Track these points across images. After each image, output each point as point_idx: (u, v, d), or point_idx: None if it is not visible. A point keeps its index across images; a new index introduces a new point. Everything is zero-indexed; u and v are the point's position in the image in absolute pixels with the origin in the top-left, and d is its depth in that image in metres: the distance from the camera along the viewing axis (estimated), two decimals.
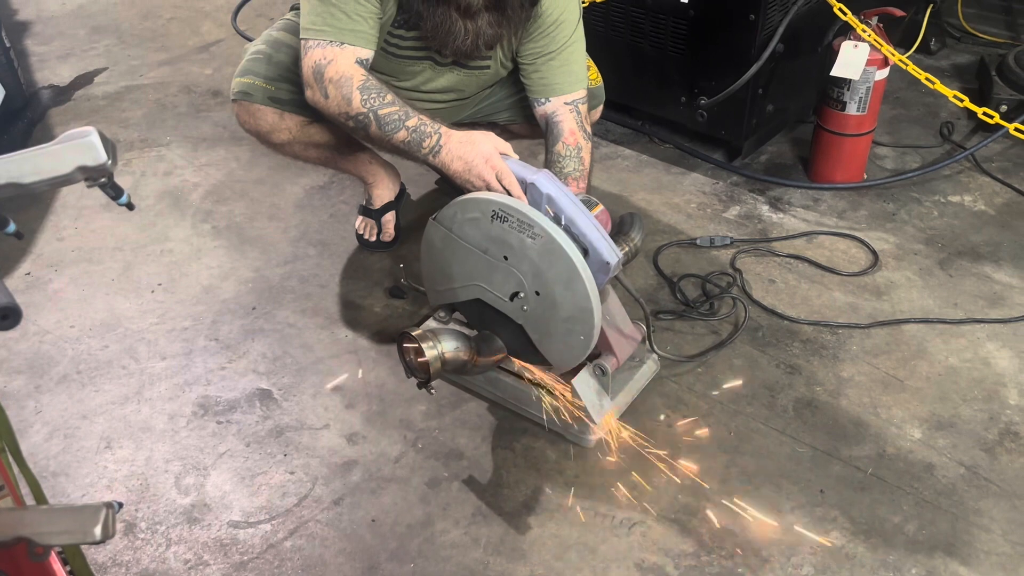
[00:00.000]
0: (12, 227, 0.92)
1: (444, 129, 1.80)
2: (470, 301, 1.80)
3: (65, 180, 0.88)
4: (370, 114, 1.80)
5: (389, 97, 1.81)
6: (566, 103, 1.96)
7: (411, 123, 1.80)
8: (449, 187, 1.86)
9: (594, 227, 1.65)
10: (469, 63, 1.99)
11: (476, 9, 1.76)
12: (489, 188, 1.73)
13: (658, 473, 1.77)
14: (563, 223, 1.64)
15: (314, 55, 1.82)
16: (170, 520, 1.72)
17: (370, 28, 1.83)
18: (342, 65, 1.80)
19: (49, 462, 1.85)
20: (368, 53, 1.85)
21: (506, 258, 1.69)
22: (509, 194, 1.70)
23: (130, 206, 0.97)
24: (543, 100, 1.98)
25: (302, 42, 1.85)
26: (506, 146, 1.78)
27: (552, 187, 1.67)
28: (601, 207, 1.76)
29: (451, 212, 1.75)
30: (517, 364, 1.83)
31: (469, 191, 1.76)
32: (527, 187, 1.70)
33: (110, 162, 0.88)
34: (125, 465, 1.84)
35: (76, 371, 2.08)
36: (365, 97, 1.80)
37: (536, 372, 1.82)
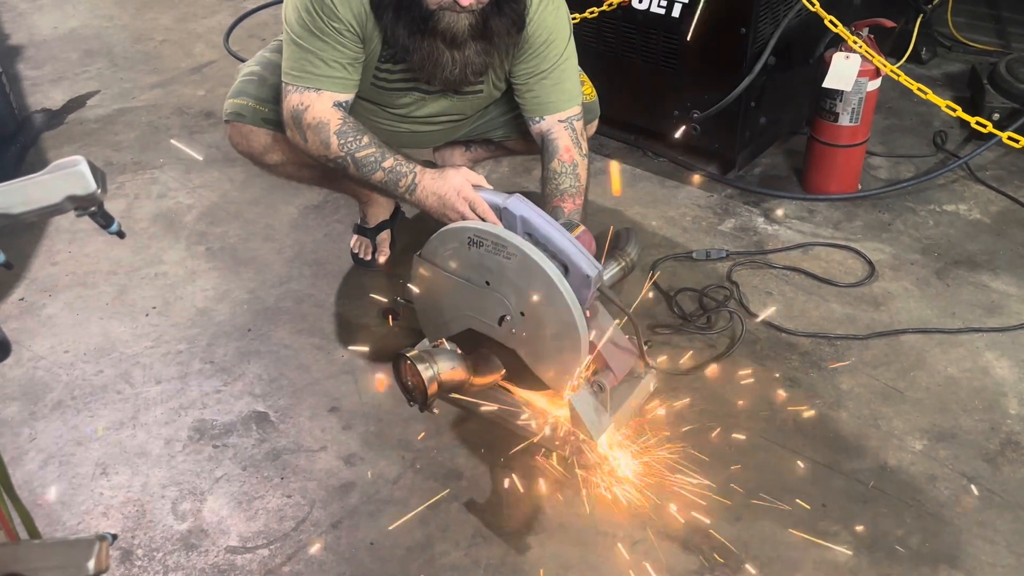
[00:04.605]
0: (2, 257, 0.91)
1: (419, 168, 1.85)
2: (464, 332, 1.80)
3: (55, 210, 0.87)
4: (347, 157, 1.85)
5: (366, 139, 1.85)
6: (560, 121, 1.96)
7: (387, 164, 1.84)
8: None
9: (570, 242, 1.66)
10: (461, 88, 1.99)
11: (462, 39, 1.77)
12: (464, 219, 1.76)
13: (659, 490, 1.75)
14: (540, 242, 1.65)
15: (292, 100, 1.87)
16: (167, 547, 1.70)
17: (348, 73, 1.87)
18: (319, 110, 1.85)
19: (44, 490, 1.83)
20: (346, 96, 1.89)
21: (488, 283, 1.70)
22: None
23: (121, 234, 0.96)
24: (537, 119, 1.98)
25: (283, 85, 1.89)
26: (478, 178, 1.82)
27: (525, 209, 1.69)
28: (583, 228, 1.78)
29: (432, 246, 1.78)
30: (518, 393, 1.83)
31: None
32: (501, 212, 1.73)
33: (99, 191, 0.87)
34: (121, 491, 1.82)
35: (71, 397, 2.06)
36: (342, 141, 1.85)
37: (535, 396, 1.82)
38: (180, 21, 4.27)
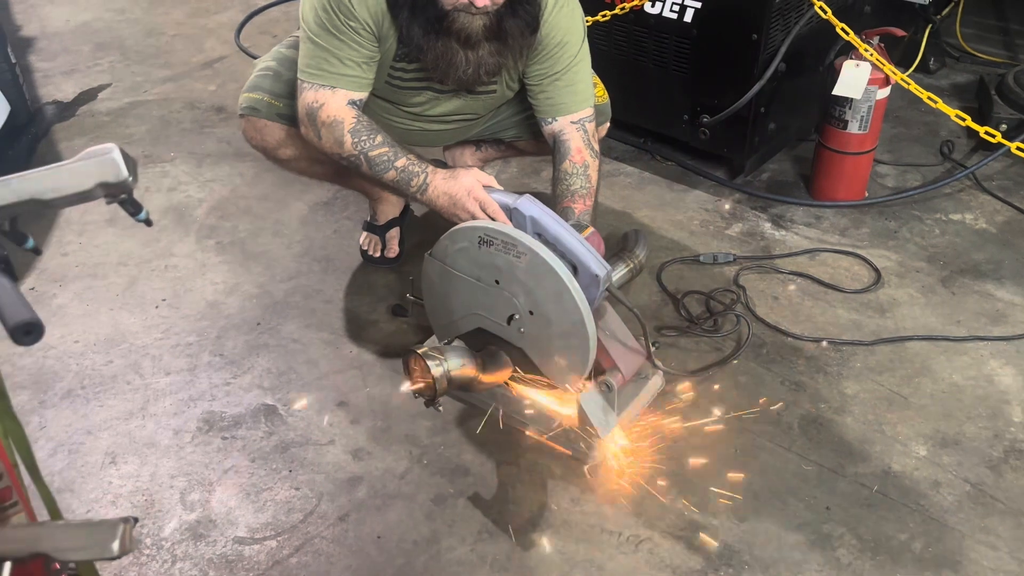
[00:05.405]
0: (31, 243, 0.93)
1: (430, 168, 1.87)
2: (473, 331, 1.81)
3: (85, 196, 0.89)
4: (361, 156, 1.87)
5: (379, 138, 1.87)
6: (573, 122, 1.98)
7: (400, 163, 1.86)
8: None
9: (579, 242, 1.67)
10: (475, 88, 2.01)
11: (477, 39, 1.79)
12: (475, 219, 1.77)
13: (665, 490, 1.77)
14: (549, 242, 1.67)
15: (307, 97, 1.88)
16: (175, 536, 1.71)
17: (363, 72, 1.88)
18: (333, 108, 1.86)
19: (53, 478, 1.84)
20: (361, 95, 1.91)
21: (497, 282, 1.71)
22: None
23: (148, 222, 0.98)
24: (550, 120, 2.00)
25: (298, 81, 1.91)
26: (489, 178, 1.83)
27: (535, 209, 1.71)
28: (592, 230, 1.80)
29: (443, 245, 1.79)
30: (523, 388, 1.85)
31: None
32: (511, 213, 1.74)
33: (131, 179, 0.89)
34: (130, 481, 1.84)
35: (80, 386, 2.08)
36: (355, 140, 1.86)
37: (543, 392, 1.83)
38: (192, 16, 4.29)
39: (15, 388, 2.07)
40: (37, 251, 0.93)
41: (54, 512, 0.98)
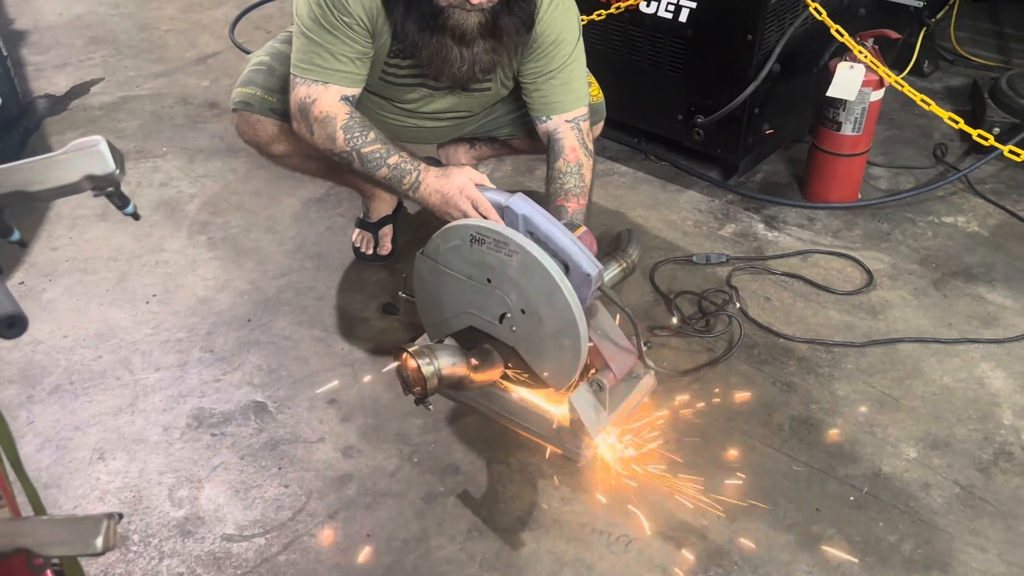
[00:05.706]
0: (16, 235, 0.92)
1: (423, 166, 1.86)
2: (464, 329, 1.81)
3: (72, 189, 0.88)
4: (353, 152, 1.86)
5: (372, 135, 1.86)
6: (567, 120, 1.97)
7: (392, 161, 1.86)
8: None
9: (571, 241, 1.67)
10: (469, 85, 2.00)
11: (472, 36, 1.78)
12: (467, 217, 1.77)
13: (654, 489, 1.76)
14: (541, 241, 1.67)
15: (300, 92, 1.88)
16: (163, 533, 1.70)
17: (356, 68, 1.88)
18: (326, 104, 1.86)
19: (41, 473, 1.83)
20: (354, 91, 1.90)
21: (489, 280, 1.71)
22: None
23: (136, 216, 0.97)
24: (544, 118, 1.99)
25: (291, 76, 1.90)
26: (481, 177, 1.83)
27: (527, 207, 1.70)
28: (584, 229, 1.79)
29: (435, 244, 1.79)
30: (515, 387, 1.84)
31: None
32: (503, 211, 1.74)
33: (118, 171, 0.88)
34: (118, 477, 1.83)
35: (69, 381, 2.07)
36: (348, 136, 1.86)
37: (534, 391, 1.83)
38: (185, 11, 4.27)
39: (3, 382, 2.06)
40: (23, 244, 0.92)
41: (38, 507, 0.97)
